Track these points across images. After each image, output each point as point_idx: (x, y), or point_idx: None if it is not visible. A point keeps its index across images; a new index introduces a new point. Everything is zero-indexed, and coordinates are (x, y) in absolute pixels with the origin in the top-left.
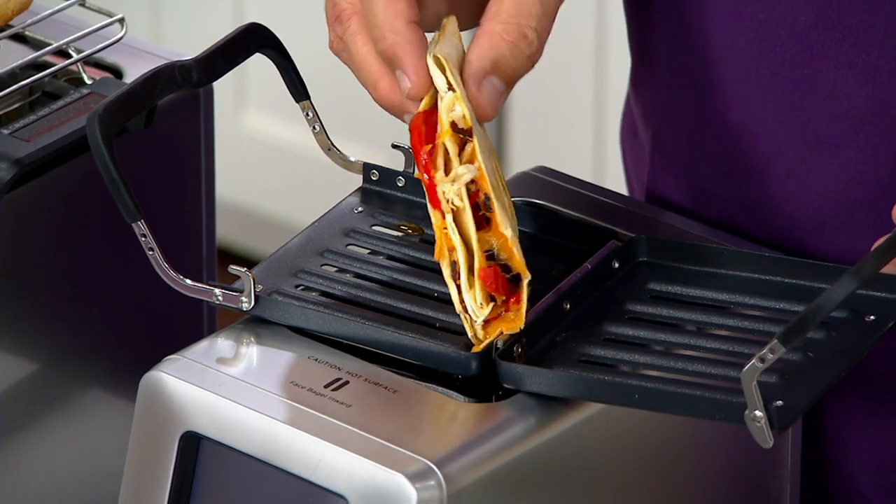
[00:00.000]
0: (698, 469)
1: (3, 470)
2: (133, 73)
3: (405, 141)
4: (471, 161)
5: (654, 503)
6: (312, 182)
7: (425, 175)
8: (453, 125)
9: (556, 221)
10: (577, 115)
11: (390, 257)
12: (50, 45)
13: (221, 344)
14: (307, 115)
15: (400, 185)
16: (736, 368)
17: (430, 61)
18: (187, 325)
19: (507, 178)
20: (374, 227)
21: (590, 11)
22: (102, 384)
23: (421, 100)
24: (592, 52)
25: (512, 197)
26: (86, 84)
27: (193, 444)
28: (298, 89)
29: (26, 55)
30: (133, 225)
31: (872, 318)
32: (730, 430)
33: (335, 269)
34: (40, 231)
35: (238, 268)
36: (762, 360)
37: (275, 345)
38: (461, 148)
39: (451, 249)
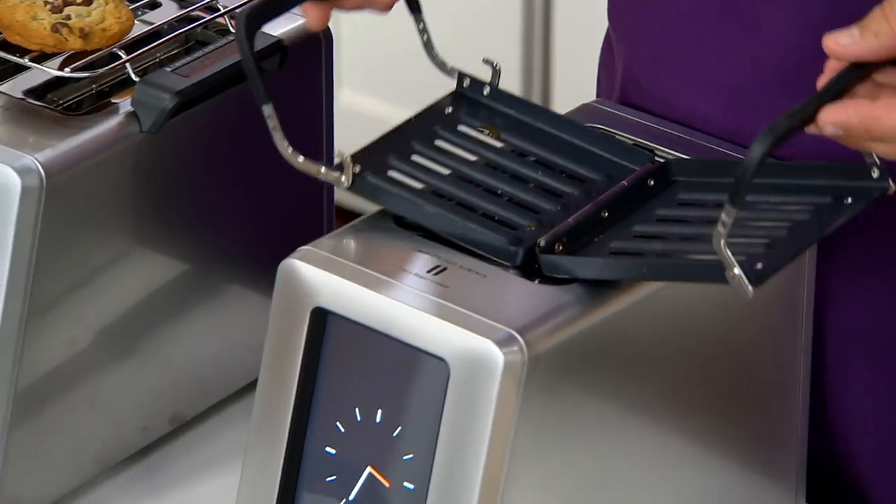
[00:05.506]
0: (730, 355)
1: (170, 348)
2: (269, 24)
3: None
4: None
5: (695, 373)
6: None
7: None
8: None
9: (608, 140)
10: None
11: (470, 151)
12: (201, 1)
13: (341, 238)
14: (420, 26)
15: (485, 94)
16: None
17: None
18: (310, 230)
19: (570, 109)
20: (460, 127)
21: None
22: (244, 277)
23: None
24: None
25: (573, 121)
26: (230, 33)
27: (321, 318)
28: (412, 5)
29: (181, 11)
30: (262, 107)
31: (850, 200)
32: (758, 331)
33: (422, 157)
34: (195, 150)
35: (341, 151)
36: (724, 224)
37: (385, 238)
38: None
39: None
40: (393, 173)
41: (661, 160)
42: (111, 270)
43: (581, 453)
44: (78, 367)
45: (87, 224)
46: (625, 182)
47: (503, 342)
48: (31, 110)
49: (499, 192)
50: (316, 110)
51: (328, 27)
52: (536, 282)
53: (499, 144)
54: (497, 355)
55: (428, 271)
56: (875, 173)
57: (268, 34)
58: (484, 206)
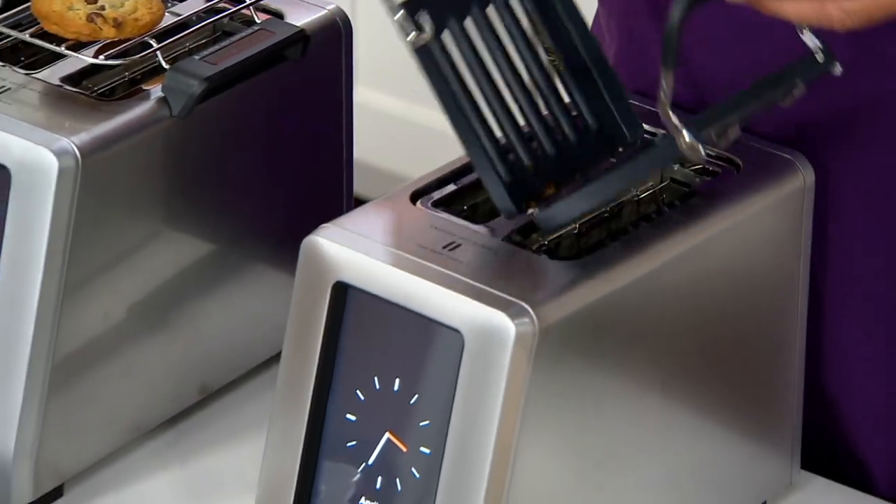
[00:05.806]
0: (731, 326)
1: (199, 322)
2: (292, 15)
3: None
4: None
5: (698, 344)
6: (409, 142)
7: None
8: None
9: (618, 95)
10: None
11: (512, 39)
12: None
13: (361, 216)
14: None
15: None
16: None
17: None
18: (330, 210)
19: None
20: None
21: None
22: (268, 254)
23: None
24: None
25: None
26: (256, 23)
27: (342, 292)
28: None
29: (208, 3)
30: None
31: (799, 84)
32: (756, 316)
33: (473, 26)
34: (222, 134)
35: (426, 26)
36: (664, 92)
37: (402, 216)
38: None
39: None
40: (446, 37)
41: (650, 137)
42: (143, 247)
43: (589, 420)
44: (112, 339)
45: (121, 203)
46: (613, 159)
47: (515, 314)
48: (67, 96)
49: (516, 100)
50: (337, 98)
51: (347, 18)
52: (546, 257)
53: (535, 43)
54: (509, 327)
55: (443, 247)
56: (820, 57)
57: (290, 24)
58: (499, 121)
